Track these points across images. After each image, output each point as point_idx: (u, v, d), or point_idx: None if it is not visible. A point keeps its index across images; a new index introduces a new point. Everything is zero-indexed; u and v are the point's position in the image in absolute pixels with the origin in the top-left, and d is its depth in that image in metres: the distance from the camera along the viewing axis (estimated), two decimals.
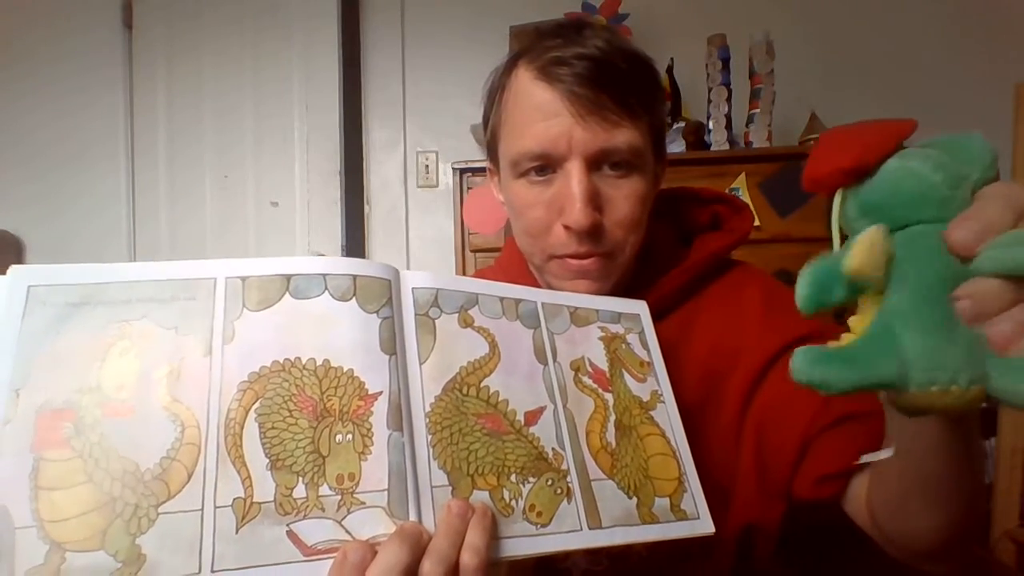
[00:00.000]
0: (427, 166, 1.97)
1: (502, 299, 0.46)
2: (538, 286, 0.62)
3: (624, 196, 0.52)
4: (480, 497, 0.38)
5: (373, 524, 0.34)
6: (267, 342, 0.37)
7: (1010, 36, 1.80)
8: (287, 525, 0.33)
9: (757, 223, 1.33)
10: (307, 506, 0.34)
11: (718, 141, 1.49)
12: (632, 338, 0.51)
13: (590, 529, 0.41)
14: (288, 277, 0.38)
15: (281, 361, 0.36)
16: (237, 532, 0.32)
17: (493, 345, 0.44)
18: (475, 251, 1.51)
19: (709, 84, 1.50)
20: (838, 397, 0.28)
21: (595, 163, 0.51)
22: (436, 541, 0.34)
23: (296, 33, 1.93)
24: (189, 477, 0.32)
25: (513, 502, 0.39)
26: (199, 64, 1.96)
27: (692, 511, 0.45)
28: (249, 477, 0.33)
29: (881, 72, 1.83)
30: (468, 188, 1.51)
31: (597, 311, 0.51)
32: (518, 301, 0.47)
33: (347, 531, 0.34)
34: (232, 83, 1.95)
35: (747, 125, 1.51)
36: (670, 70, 1.61)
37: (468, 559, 0.34)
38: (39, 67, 2.02)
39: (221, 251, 1.96)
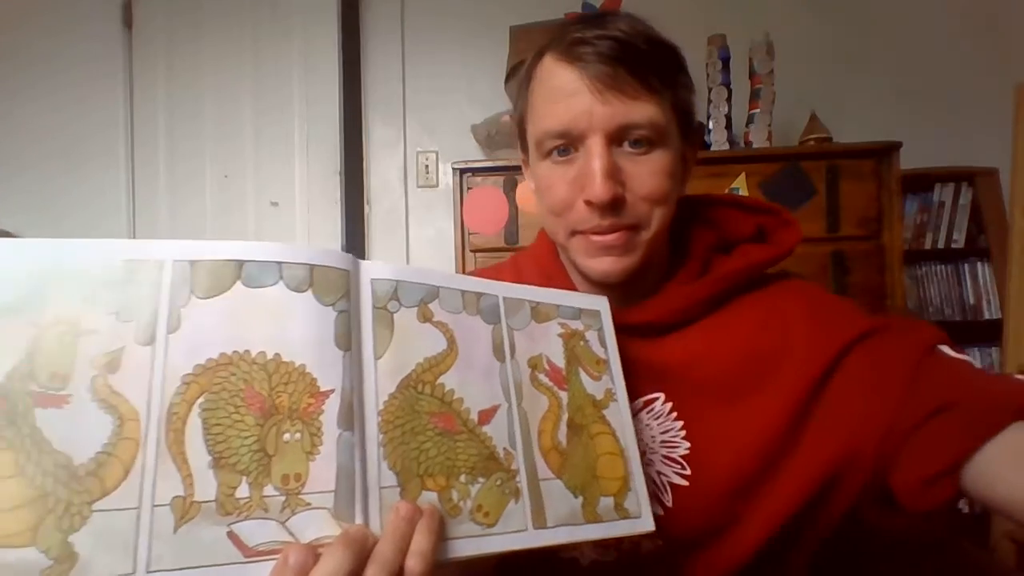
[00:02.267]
0: (427, 166, 1.97)
1: (463, 292, 0.45)
2: (566, 282, 0.62)
3: (648, 171, 0.52)
4: (428, 498, 0.37)
5: (318, 526, 0.33)
6: (215, 332, 0.34)
7: (1010, 36, 1.80)
8: (228, 526, 0.32)
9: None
10: (250, 506, 0.32)
11: (718, 141, 1.49)
12: (591, 335, 0.51)
13: (535, 529, 0.41)
14: (241, 263, 0.36)
15: (229, 353, 0.34)
16: (175, 532, 0.31)
17: (451, 341, 0.43)
18: (475, 251, 1.50)
19: (709, 84, 1.50)
20: (918, 393, 0.25)
21: (616, 139, 0.51)
22: (381, 546, 0.34)
23: (296, 33, 1.93)
24: (126, 473, 0.31)
25: (461, 503, 0.39)
26: (199, 64, 1.96)
27: (635, 510, 0.45)
28: (190, 475, 0.32)
29: (881, 72, 1.83)
30: (468, 188, 1.50)
31: (558, 306, 0.50)
32: (479, 295, 0.46)
33: (290, 533, 0.33)
34: (232, 83, 1.95)
35: (747, 125, 1.51)
36: None
37: (413, 564, 0.34)
38: (39, 67, 2.02)
39: None
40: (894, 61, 1.83)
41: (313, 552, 0.32)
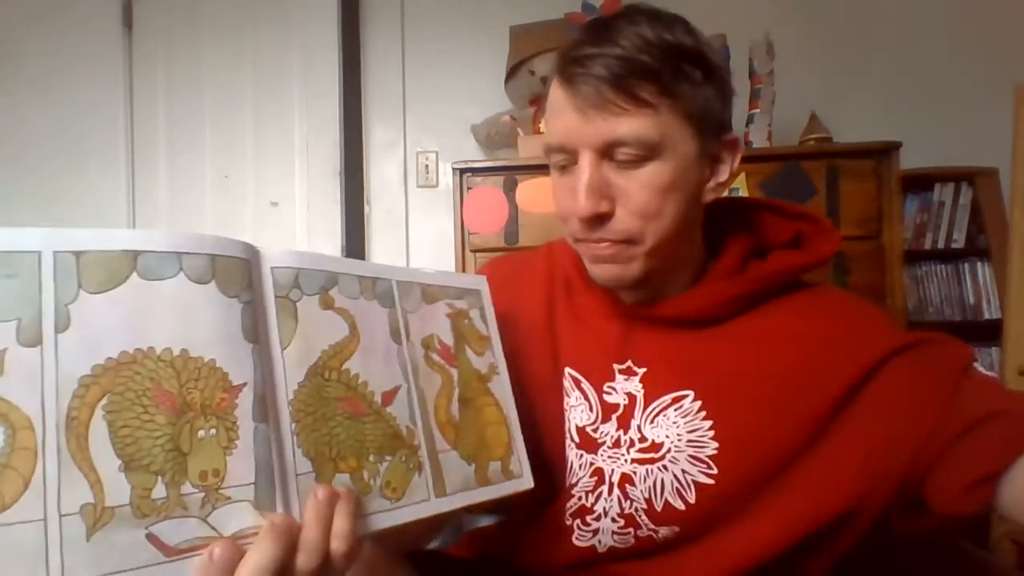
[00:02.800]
0: (427, 166, 1.97)
1: (360, 278, 0.46)
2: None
3: (637, 186, 0.52)
4: (342, 480, 0.39)
5: (240, 519, 0.34)
6: (113, 330, 0.32)
7: (1010, 36, 1.80)
8: (146, 528, 0.31)
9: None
10: (168, 506, 0.32)
11: None
12: (474, 313, 0.54)
13: (436, 498, 0.44)
14: (135, 254, 0.33)
15: (131, 351, 0.32)
16: (88, 540, 0.30)
17: (353, 327, 0.44)
18: (475, 251, 1.51)
19: None
20: (960, 404, 0.26)
21: (605, 154, 0.52)
22: (307, 533, 0.35)
23: (296, 33, 1.93)
24: (26, 485, 0.29)
25: (371, 481, 0.41)
26: (199, 64, 1.96)
27: (518, 471, 0.51)
28: (99, 481, 0.30)
29: (881, 72, 1.83)
30: (468, 188, 1.50)
31: (444, 287, 0.53)
32: (375, 279, 0.47)
33: (212, 528, 0.33)
34: (232, 83, 1.95)
35: (747, 125, 1.51)
36: None
37: (337, 546, 0.36)
38: (39, 67, 2.02)
39: None
40: (894, 61, 1.83)
41: (236, 546, 0.32)
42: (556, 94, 0.53)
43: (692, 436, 0.56)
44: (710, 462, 0.55)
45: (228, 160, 1.96)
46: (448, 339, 0.51)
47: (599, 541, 0.58)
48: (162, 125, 1.99)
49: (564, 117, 0.52)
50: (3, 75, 2.02)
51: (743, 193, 1.40)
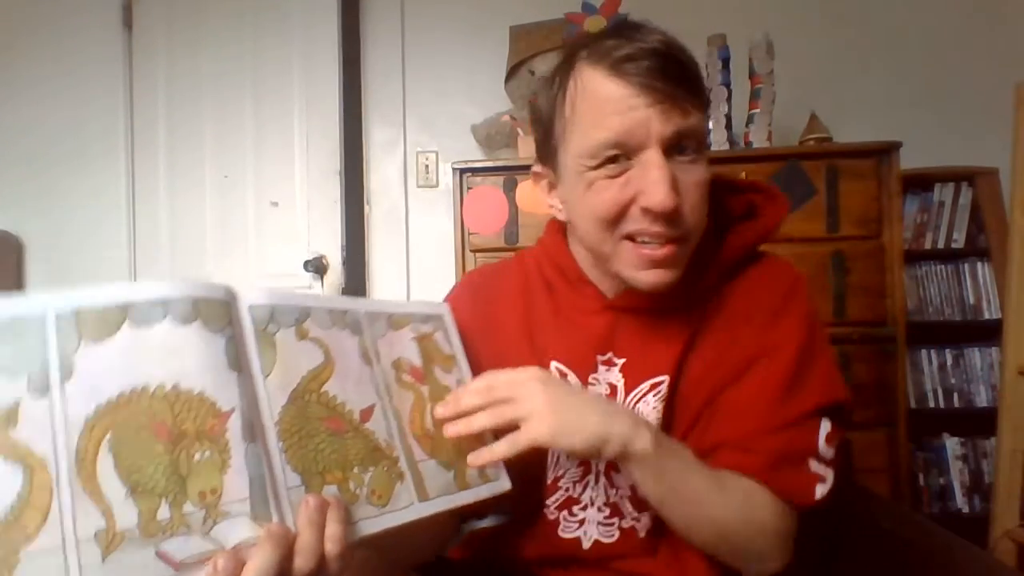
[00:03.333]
0: (427, 166, 1.97)
1: (330, 311, 0.50)
2: (577, 272, 0.64)
3: (694, 182, 0.54)
4: (330, 491, 0.43)
5: (239, 531, 0.37)
6: (111, 374, 0.36)
7: (1010, 36, 1.80)
8: (155, 546, 0.34)
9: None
10: (172, 525, 0.35)
11: (718, 141, 1.49)
12: (439, 336, 0.59)
13: (420, 502, 0.48)
14: (126, 306, 0.38)
15: (129, 391, 0.36)
16: (104, 562, 0.33)
17: (327, 353, 0.48)
18: (475, 251, 1.51)
19: (709, 84, 1.50)
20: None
21: (670, 150, 0.53)
22: (302, 537, 0.38)
23: (296, 33, 1.93)
24: (45, 518, 0.33)
25: (358, 490, 0.44)
26: (199, 64, 1.96)
27: (494, 475, 0.54)
28: (109, 508, 0.34)
29: (881, 72, 1.83)
30: (468, 188, 1.50)
31: (410, 314, 0.57)
32: (344, 311, 0.51)
33: (215, 541, 0.36)
34: (232, 83, 1.95)
35: (747, 125, 1.51)
36: None
37: (331, 548, 0.39)
38: (39, 67, 2.02)
39: (221, 251, 1.95)
40: (894, 61, 1.83)
41: (238, 556, 0.36)
42: (613, 90, 0.52)
43: (661, 418, 0.59)
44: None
45: (228, 160, 1.95)
46: (416, 360, 0.55)
47: (584, 533, 0.59)
48: (162, 125, 1.99)
49: (630, 114, 0.52)
50: (3, 75, 2.02)
51: None
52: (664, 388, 0.59)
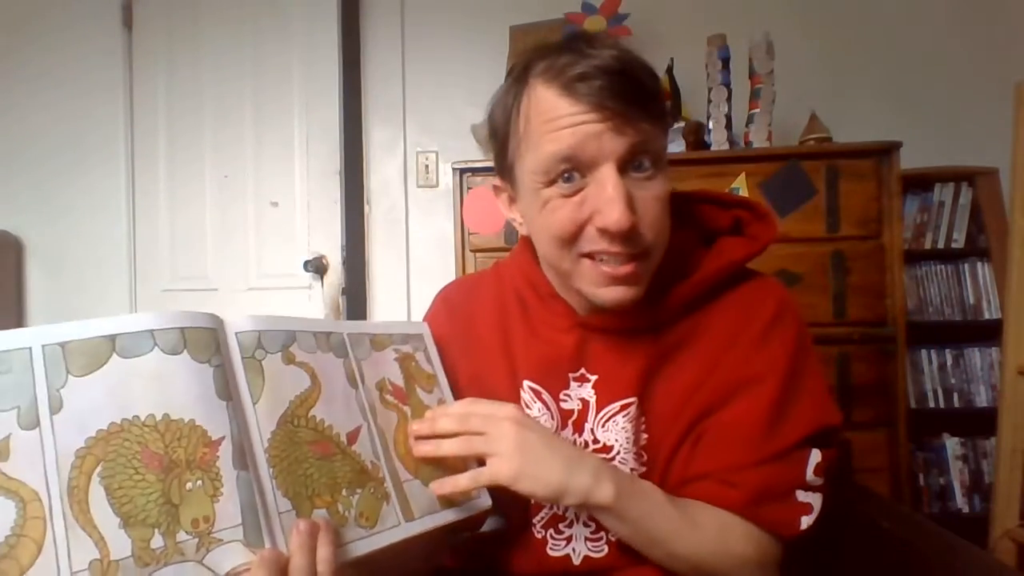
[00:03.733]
0: (427, 166, 1.97)
1: (315, 334, 0.50)
2: (548, 288, 0.63)
3: (652, 197, 0.53)
4: (320, 514, 0.43)
5: (233, 557, 0.37)
6: (100, 405, 0.37)
7: (1010, 36, 1.80)
8: (150, 575, 0.35)
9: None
10: (166, 554, 0.35)
11: (718, 141, 1.49)
12: (420, 356, 0.59)
13: (406, 522, 0.49)
14: (113, 338, 0.38)
15: (119, 422, 0.37)
16: None
17: (314, 377, 0.48)
18: (475, 251, 1.50)
19: (709, 84, 1.50)
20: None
21: (625, 167, 0.52)
22: (294, 561, 0.39)
23: (296, 33, 1.93)
24: (39, 550, 0.33)
25: (346, 513, 0.45)
26: (199, 64, 1.96)
27: (476, 493, 0.54)
28: (102, 538, 0.34)
29: (881, 72, 1.83)
30: (468, 188, 1.50)
31: (391, 335, 0.58)
32: (328, 334, 0.52)
33: (209, 569, 0.36)
34: (232, 83, 1.95)
35: (747, 125, 1.50)
36: (670, 70, 1.61)
37: (323, 570, 0.40)
38: (39, 67, 2.02)
39: (221, 251, 1.95)
40: (894, 61, 1.83)
41: None
42: (564, 108, 0.51)
43: (635, 439, 0.58)
44: (646, 468, 0.58)
45: (228, 160, 1.96)
46: (399, 380, 0.56)
47: (573, 550, 0.58)
48: (162, 125, 1.99)
49: (582, 128, 0.50)
50: (3, 74, 2.02)
51: (743, 193, 1.40)
52: (633, 410, 0.58)
